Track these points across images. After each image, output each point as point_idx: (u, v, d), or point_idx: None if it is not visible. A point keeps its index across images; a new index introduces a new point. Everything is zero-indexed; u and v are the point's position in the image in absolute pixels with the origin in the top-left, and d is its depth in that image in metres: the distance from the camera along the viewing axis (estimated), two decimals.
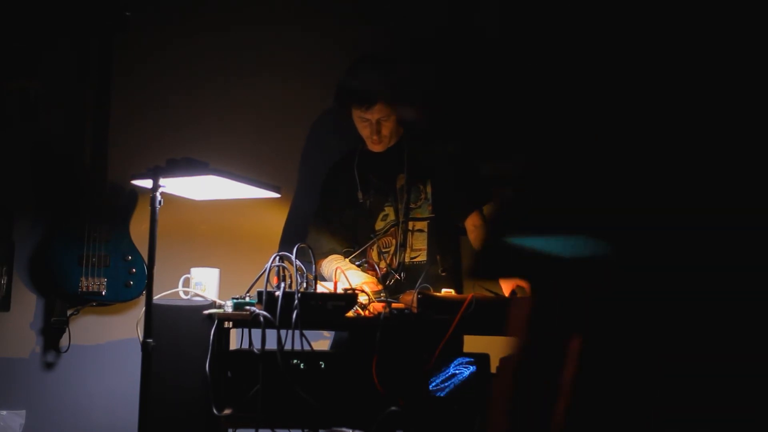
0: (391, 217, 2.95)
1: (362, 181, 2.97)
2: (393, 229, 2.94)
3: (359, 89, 2.85)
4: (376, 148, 2.97)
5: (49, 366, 3.16)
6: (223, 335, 2.35)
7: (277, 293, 2.25)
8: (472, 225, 2.93)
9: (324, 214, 3.03)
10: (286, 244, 3.25)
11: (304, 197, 3.33)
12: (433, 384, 2.35)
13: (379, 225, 2.95)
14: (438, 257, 2.87)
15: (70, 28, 3.22)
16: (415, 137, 2.99)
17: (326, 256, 2.87)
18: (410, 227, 2.93)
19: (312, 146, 3.42)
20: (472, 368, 2.38)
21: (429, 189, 2.95)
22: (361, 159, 3.01)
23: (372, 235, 2.93)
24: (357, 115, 2.89)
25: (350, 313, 2.35)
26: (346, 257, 2.86)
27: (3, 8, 3.16)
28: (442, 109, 3.44)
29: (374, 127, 2.88)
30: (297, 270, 2.31)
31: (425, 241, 2.92)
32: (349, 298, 2.34)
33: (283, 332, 2.24)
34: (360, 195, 2.96)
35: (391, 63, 2.92)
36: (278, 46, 3.43)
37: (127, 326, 3.08)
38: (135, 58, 3.30)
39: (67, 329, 3.11)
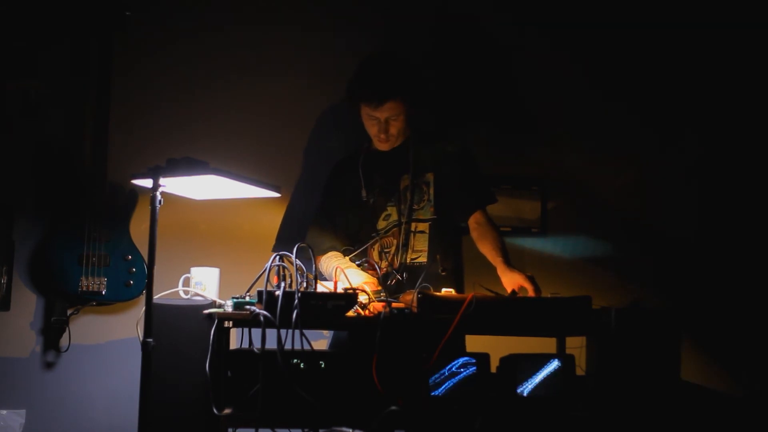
0: (394, 217, 2.94)
1: (366, 180, 2.96)
2: (395, 229, 2.93)
3: (369, 86, 2.82)
4: (383, 147, 2.96)
5: (49, 366, 3.16)
6: (223, 335, 2.35)
7: (277, 293, 2.25)
8: (475, 222, 2.92)
9: (326, 212, 3.02)
10: (282, 241, 3.25)
11: (302, 196, 3.33)
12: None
13: (381, 224, 2.95)
14: (438, 256, 2.86)
15: (70, 27, 3.22)
16: (422, 138, 2.98)
17: (325, 253, 2.87)
18: (412, 228, 2.92)
19: (313, 145, 3.42)
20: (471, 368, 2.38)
21: (432, 191, 2.94)
22: (367, 158, 3.00)
23: (374, 234, 2.93)
24: (366, 112, 2.87)
25: (350, 313, 2.35)
26: (345, 255, 2.85)
27: (3, 7, 3.16)
28: (449, 110, 3.46)
29: (382, 126, 2.87)
30: (297, 269, 2.31)
31: (426, 243, 2.91)
32: (349, 297, 2.34)
33: (283, 332, 2.24)
34: (364, 193, 2.95)
35: (403, 61, 2.91)
36: (278, 46, 3.43)
37: (127, 326, 3.08)
38: (135, 58, 3.30)
39: (67, 329, 3.11)
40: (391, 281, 2.82)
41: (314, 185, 3.18)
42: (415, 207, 2.93)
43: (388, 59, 2.90)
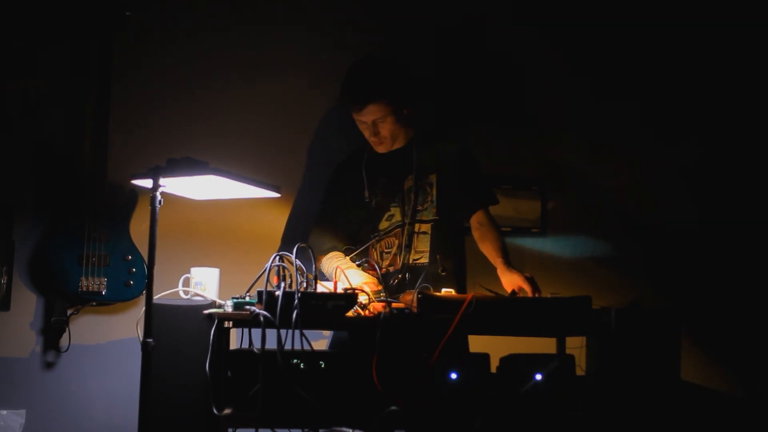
0: (397, 217, 2.94)
1: (370, 181, 2.96)
2: (397, 230, 2.93)
3: (350, 91, 2.83)
4: (380, 149, 2.95)
5: (49, 366, 3.16)
6: (223, 335, 2.35)
7: (277, 293, 2.25)
8: (477, 223, 2.92)
9: (329, 212, 3.01)
10: (288, 242, 3.25)
11: (307, 196, 3.33)
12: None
13: (384, 225, 2.94)
14: (438, 257, 2.86)
15: (70, 27, 3.22)
16: (425, 139, 2.98)
17: (326, 254, 2.87)
18: (415, 229, 2.92)
19: (317, 145, 3.42)
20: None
21: (435, 191, 2.94)
22: (370, 158, 2.99)
23: (374, 235, 2.93)
24: (353, 116, 2.88)
25: (350, 313, 2.35)
26: (346, 255, 2.85)
27: (3, 7, 3.16)
28: (449, 110, 3.46)
29: (371, 129, 2.87)
30: (297, 269, 2.31)
31: (429, 244, 2.91)
32: (349, 297, 2.33)
33: (283, 332, 2.24)
34: (367, 194, 2.95)
35: (388, 62, 2.91)
36: (278, 46, 3.43)
37: (127, 326, 3.08)
38: (135, 58, 3.31)
39: (67, 329, 3.11)
40: (393, 281, 2.82)
41: (318, 185, 3.18)
42: (419, 208, 2.93)
43: (371, 62, 2.89)
